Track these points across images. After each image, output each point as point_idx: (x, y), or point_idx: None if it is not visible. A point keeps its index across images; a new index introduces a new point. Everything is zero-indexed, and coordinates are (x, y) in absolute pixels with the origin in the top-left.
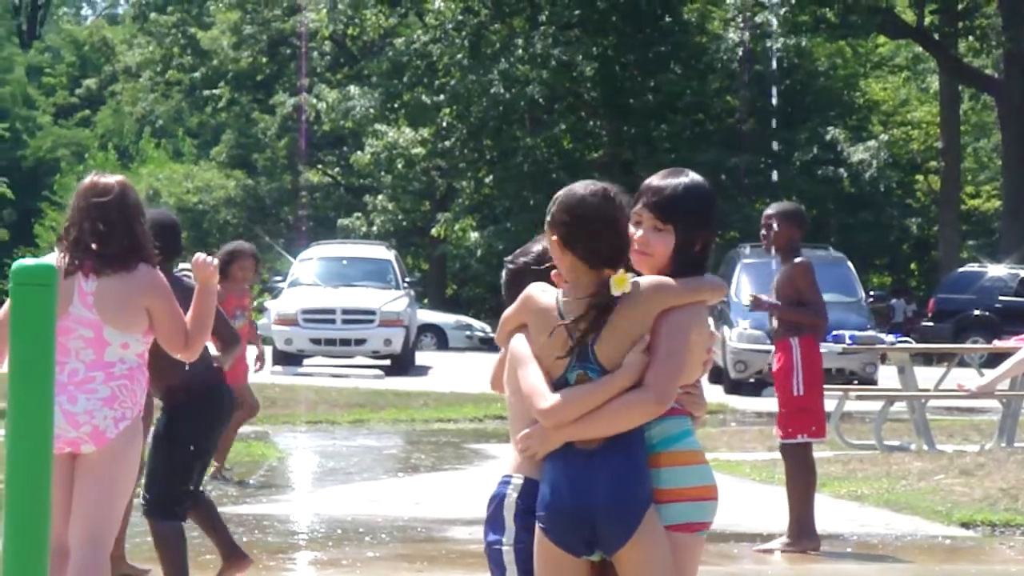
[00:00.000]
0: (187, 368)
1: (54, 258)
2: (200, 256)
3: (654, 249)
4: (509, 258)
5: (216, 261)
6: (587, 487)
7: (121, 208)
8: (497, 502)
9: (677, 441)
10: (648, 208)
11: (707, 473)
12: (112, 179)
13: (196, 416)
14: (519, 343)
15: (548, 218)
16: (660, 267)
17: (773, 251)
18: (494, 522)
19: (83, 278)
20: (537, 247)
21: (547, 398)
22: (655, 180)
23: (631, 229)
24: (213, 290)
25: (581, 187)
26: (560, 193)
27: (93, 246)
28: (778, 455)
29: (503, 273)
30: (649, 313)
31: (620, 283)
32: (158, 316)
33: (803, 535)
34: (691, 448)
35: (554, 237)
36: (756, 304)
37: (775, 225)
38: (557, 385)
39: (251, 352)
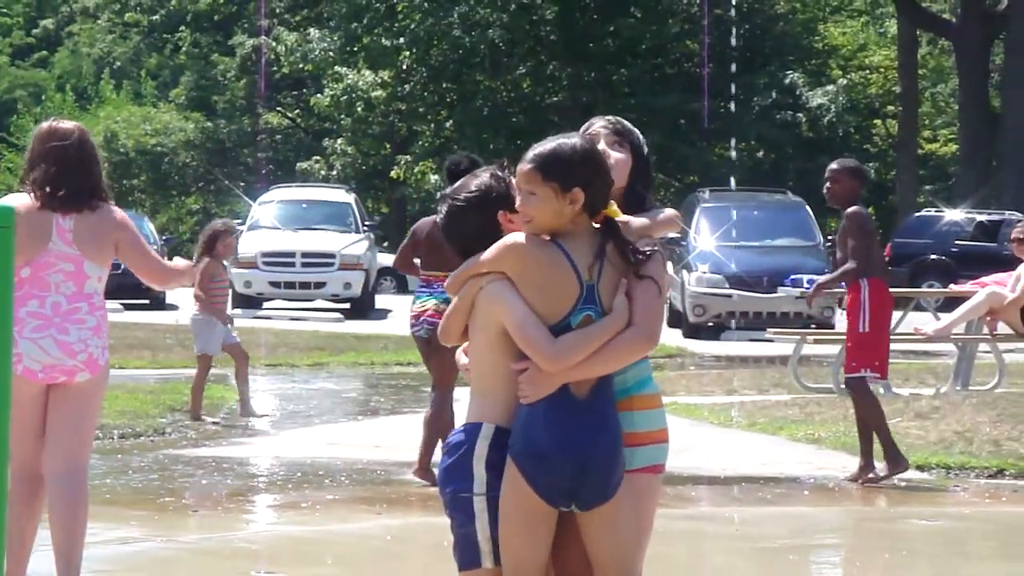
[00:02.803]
0: None
1: (15, 200)
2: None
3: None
4: (449, 192)
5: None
6: (583, 436)
7: (80, 151)
8: (464, 451)
9: (647, 384)
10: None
11: (665, 415)
12: (70, 124)
13: None
14: (504, 291)
15: (541, 169)
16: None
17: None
18: (458, 471)
19: (60, 216)
20: (475, 183)
21: (554, 343)
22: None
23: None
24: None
25: (575, 138)
26: (551, 145)
27: (49, 188)
28: (735, 399)
29: (444, 209)
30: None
31: (615, 212)
32: (130, 247)
33: (895, 460)
34: (657, 391)
35: (551, 185)
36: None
37: (838, 179)
38: (555, 331)
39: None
